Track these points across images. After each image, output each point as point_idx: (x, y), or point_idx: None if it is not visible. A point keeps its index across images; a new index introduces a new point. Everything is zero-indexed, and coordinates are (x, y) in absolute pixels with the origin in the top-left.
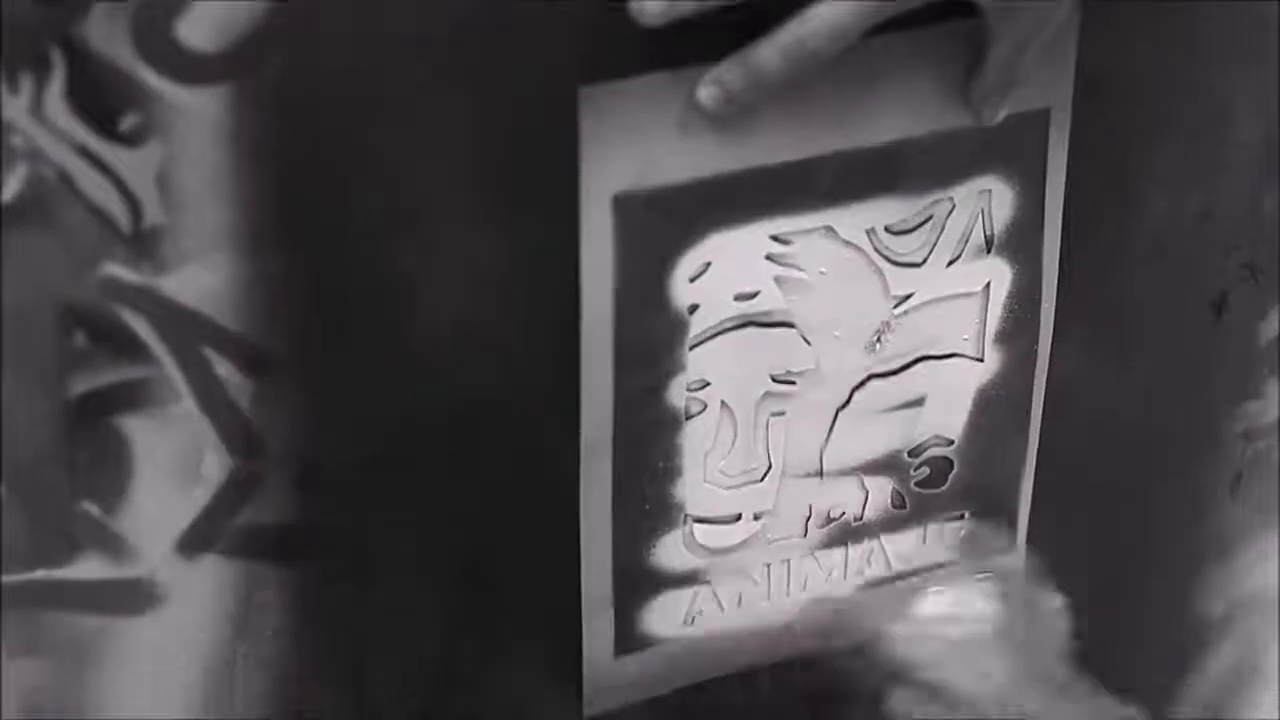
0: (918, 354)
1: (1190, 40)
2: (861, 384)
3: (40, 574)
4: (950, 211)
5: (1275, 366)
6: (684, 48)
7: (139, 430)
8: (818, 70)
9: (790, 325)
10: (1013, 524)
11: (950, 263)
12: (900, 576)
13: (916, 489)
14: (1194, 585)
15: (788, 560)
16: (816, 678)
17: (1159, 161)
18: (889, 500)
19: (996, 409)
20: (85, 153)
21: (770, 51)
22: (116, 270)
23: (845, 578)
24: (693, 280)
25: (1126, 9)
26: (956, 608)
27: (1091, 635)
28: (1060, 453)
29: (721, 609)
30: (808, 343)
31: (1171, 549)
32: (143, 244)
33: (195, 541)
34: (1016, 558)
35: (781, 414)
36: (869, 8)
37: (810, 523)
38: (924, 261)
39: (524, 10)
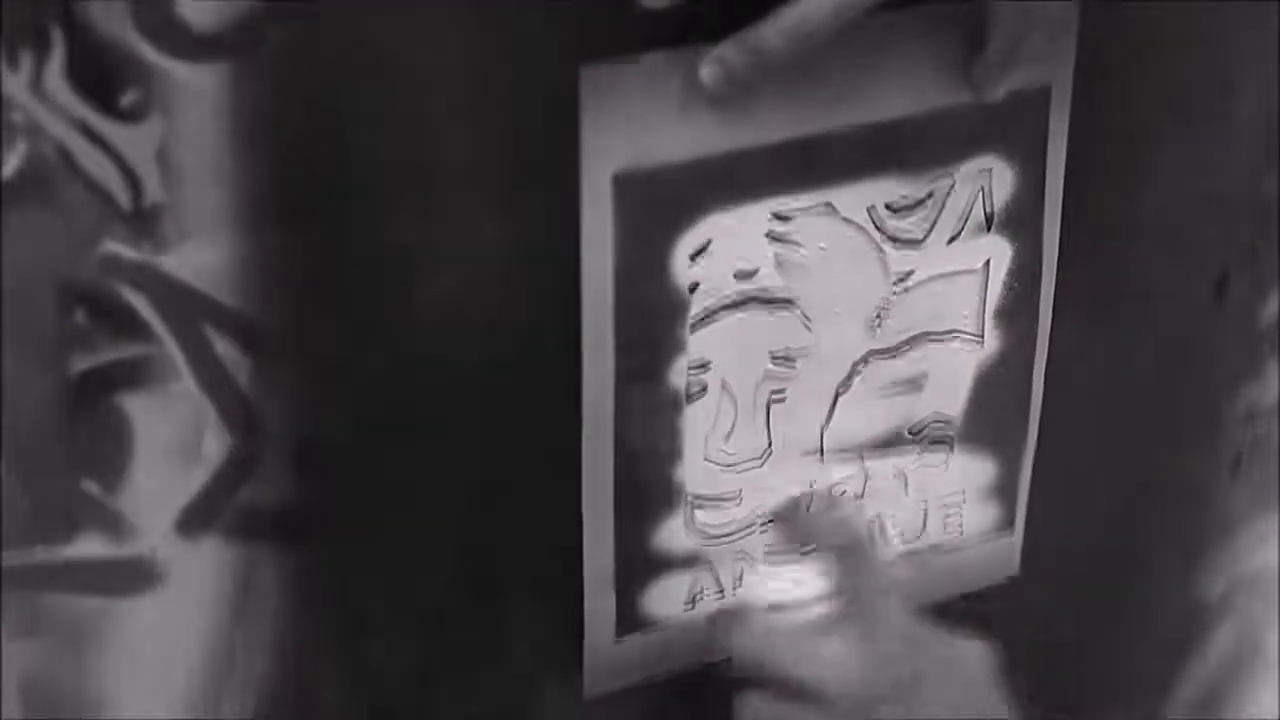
0: (918, 332)
1: (1191, 20)
2: (862, 363)
3: (40, 553)
4: (950, 189)
5: (1276, 347)
6: (685, 27)
7: (139, 408)
8: (819, 49)
9: (790, 304)
10: (1012, 503)
11: (950, 240)
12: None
13: (917, 469)
14: (1195, 566)
15: None
16: None
17: (1160, 142)
18: (891, 480)
19: (996, 388)
20: (85, 129)
21: (772, 31)
22: (116, 248)
23: None
24: (693, 259)
25: None
26: (788, 591)
27: (1093, 617)
28: (1060, 432)
29: (722, 591)
30: (808, 321)
31: (1172, 530)
32: (143, 221)
33: (195, 520)
34: (1015, 537)
35: (782, 394)
36: None
37: (811, 504)
38: (924, 239)
39: None
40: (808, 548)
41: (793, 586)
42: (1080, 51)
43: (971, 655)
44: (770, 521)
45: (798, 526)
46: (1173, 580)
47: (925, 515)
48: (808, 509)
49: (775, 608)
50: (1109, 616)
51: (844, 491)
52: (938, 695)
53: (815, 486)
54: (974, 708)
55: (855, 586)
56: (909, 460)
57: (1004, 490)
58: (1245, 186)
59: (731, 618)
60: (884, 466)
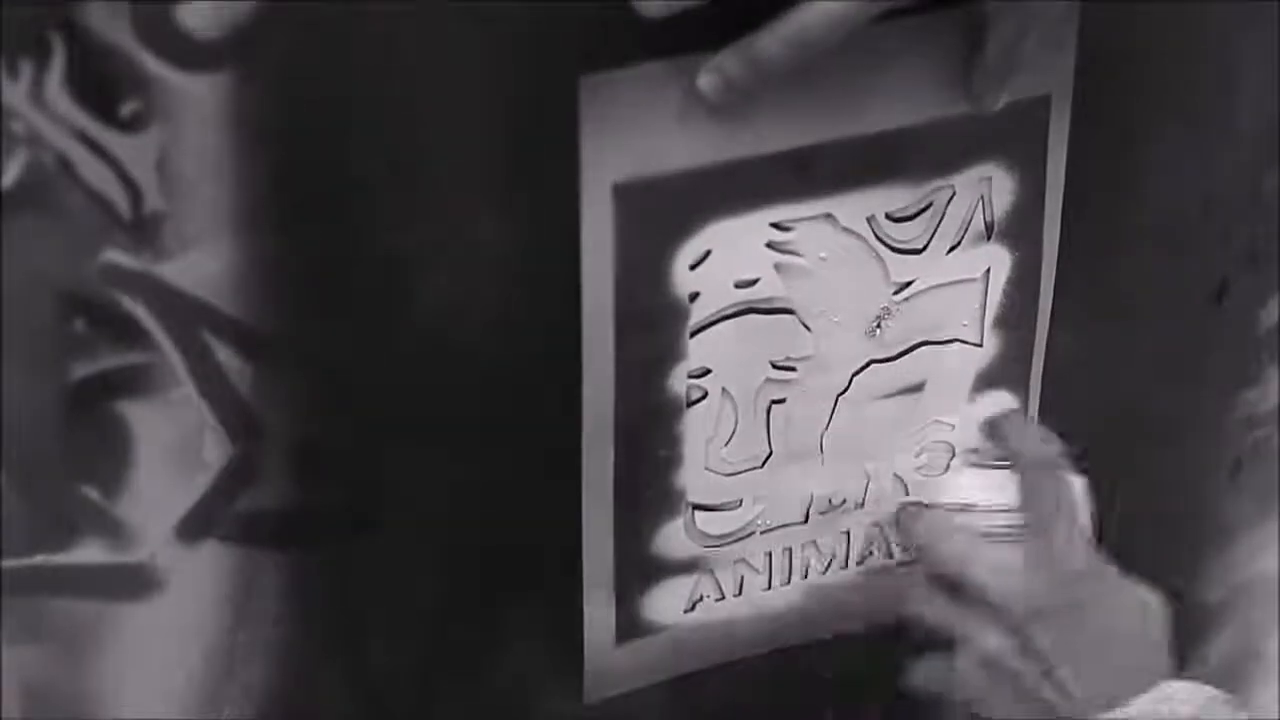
0: (918, 340)
1: (1191, 26)
2: (862, 370)
3: (40, 559)
4: (950, 198)
5: (1275, 353)
6: (684, 37)
7: (139, 415)
8: (819, 59)
9: (790, 312)
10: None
11: (950, 249)
12: (903, 564)
13: (917, 475)
14: (1194, 571)
15: (789, 547)
16: (818, 663)
17: (1159, 148)
18: (891, 487)
19: (995, 395)
20: (85, 139)
21: (771, 40)
22: (116, 256)
23: (846, 565)
24: (693, 268)
25: None
26: (977, 495)
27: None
28: (1060, 439)
29: (722, 596)
30: (808, 329)
31: (1172, 535)
32: (143, 230)
33: (195, 527)
34: None
35: (782, 401)
36: None
37: (811, 509)
38: (924, 248)
39: None
40: (1004, 459)
41: (983, 491)
42: (1079, 59)
43: (1141, 602)
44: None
45: (1000, 436)
46: (1173, 585)
47: None
48: (1010, 423)
49: (962, 508)
50: None
51: (844, 499)
52: (1095, 630)
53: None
54: (1130, 653)
55: (1039, 504)
56: (909, 467)
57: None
58: (1245, 192)
59: (918, 510)
60: (884, 473)
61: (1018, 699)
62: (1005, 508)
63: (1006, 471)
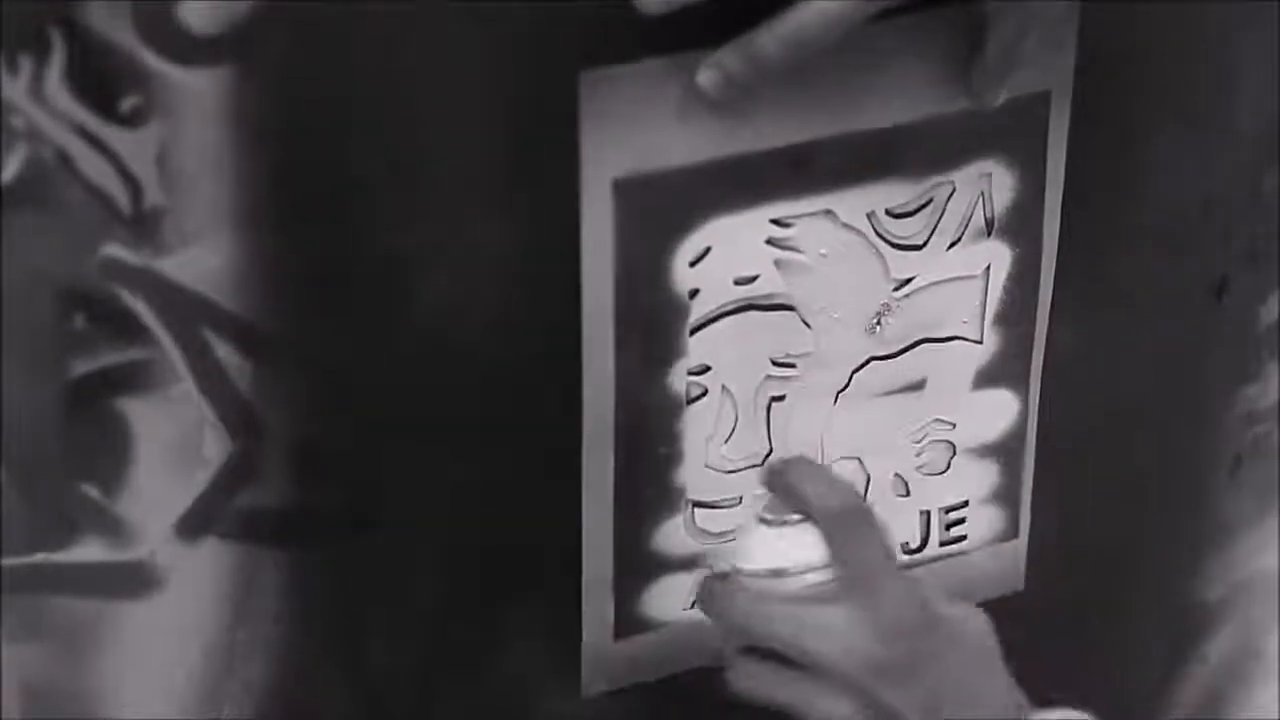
0: (918, 337)
1: (1191, 24)
2: (862, 367)
3: (40, 557)
4: (951, 194)
5: (1275, 350)
6: (684, 34)
7: (139, 412)
8: (818, 56)
9: (790, 308)
10: (1015, 508)
11: (950, 245)
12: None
13: (918, 473)
14: (1194, 569)
15: None
16: None
17: (1159, 145)
18: (891, 485)
19: (996, 383)
20: (85, 134)
21: (770, 37)
22: (116, 251)
23: None
24: (693, 264)
25: None
26: (782, 558)
27: (1092, 619)
28: (1060, 436)
29: None
30: (808, 326)
31: (1171, 532)
32: (143, 225)
33: (195, 524)
34: (1020, 542)
35: (782, 398)
36: None
37: None
38: (924, 244)
39: None
40: (801, 513)
41: (790, 551)
42: (1079, 55)
43: (975, 627)
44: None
45: (789, 489)
46: (1173, 582)
47: (927, 522)
48: (799, 472)
49: (773, 574)
50: (1109, 618)
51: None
52: (941, 670)
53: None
54: (979, 682)
55: (854, 554)
56: (910, 465)
57: (1007, 496)
58: (1245, 190)
59: (726, 583)
60: (884, 471)
61: None
62: (817, 566)
63: (807, 526)
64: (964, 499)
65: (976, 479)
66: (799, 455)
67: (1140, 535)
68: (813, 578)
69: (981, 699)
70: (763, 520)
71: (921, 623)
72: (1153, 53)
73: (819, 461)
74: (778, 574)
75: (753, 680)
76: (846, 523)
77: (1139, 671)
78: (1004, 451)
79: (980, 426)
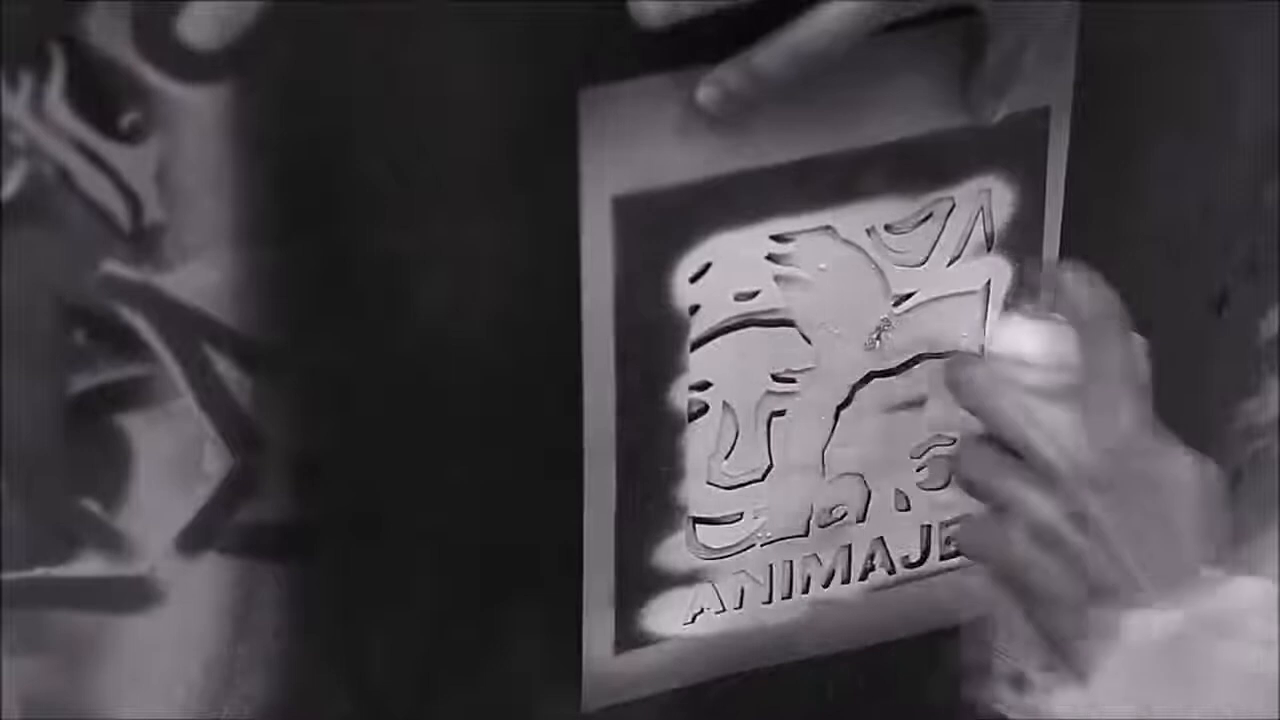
0: (918, 352)
1: (1190, 36)
2: (862, 383)
3: (40, 572)
4: (951, 210)
5: (1275, 364)
6: (684, 50)
7: (139, 428)
8: (819, 73)
9: (791, 324)
10: None
11: (951, 261)
12: (903, 581)
13: (919, 489)
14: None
15: (790, 560)
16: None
17: (1159, 158)
18: (892, 501)
19: None
20: (85, 150)
21: (771, 54)
22: (116, 268)
23: (848, 579)
24: (693, 281)
25: (1126, 6)
26: (1032, 347)
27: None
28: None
29: (723, 609)
30: (808, 341)
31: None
32: (142, 241)
33: (195, 539)
34: None
35: (783, 413)
36: (871, 11)
37: (812, 522)
38: (925, 260)
39: (524, 11)
40: (1060, 312)
41: (1038, 344)
42: (1079, 70)
43: (1199, 473)
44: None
45: (1060, 291)
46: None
47: (928, 536)
48: (1070, 277)
49: (1018, 362)
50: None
51: (845, 513)
52: (1158, 508)
53: None
54: (1184, 523)
55: (1099, 362)
56: (911, 480)
57: None
58: (1245, 202)
59: (969, 361)
60: (886, 487)
61: (1072, 575)
62: (1065, 364)
63: (1064, 325)
64: (965, 514)
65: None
66: (1076, 262)
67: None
68: (1055, 377)
69: (1182, 540)
70: (1021, 311)
71: (1146, 447)
72: (1152, 65)
73: (820, 475)
74: (1022, 363)
75: (975, 466)
76: (1099, 329)
77: None
78: None
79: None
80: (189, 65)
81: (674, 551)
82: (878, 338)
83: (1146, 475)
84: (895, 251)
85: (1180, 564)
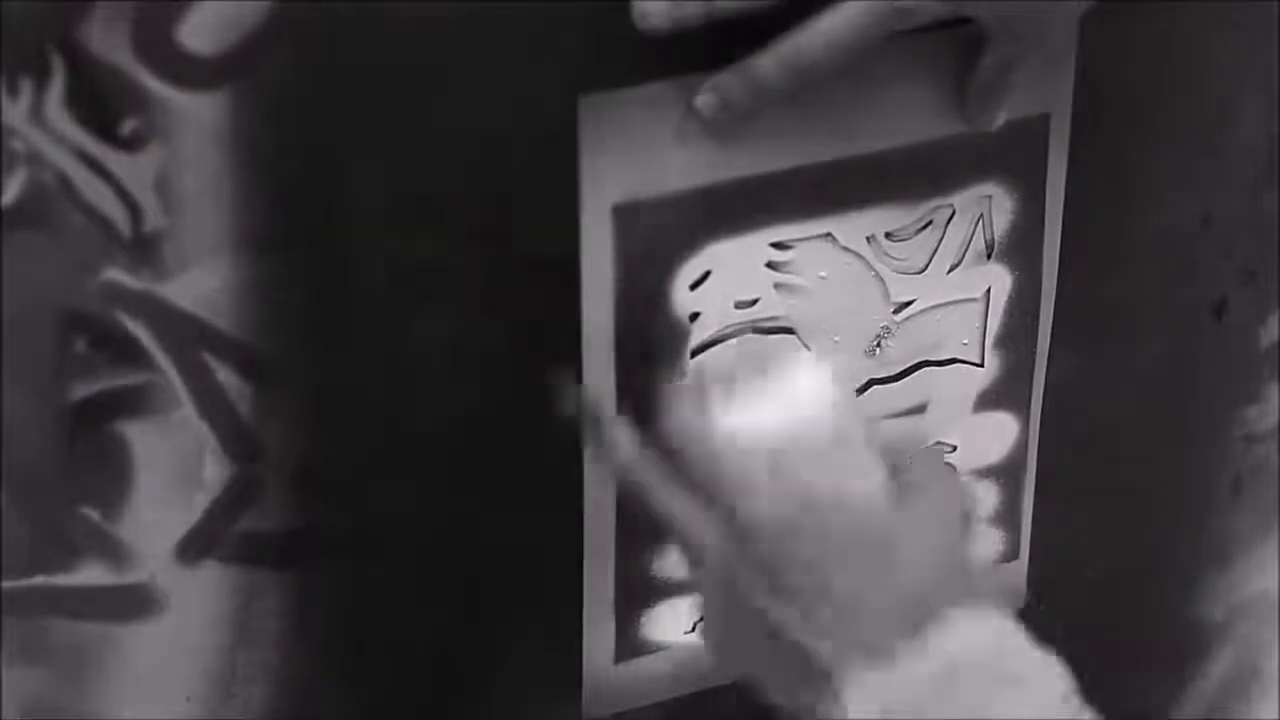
0: (918, 360)
1: (1190, 45)
2: (863, 389)
3: (40, 580)
4: (950, 218)
5: (1275, 370)
6: (684, 57)
7: (139, 436)
8: (817, 82)
9: (791, 331)
10: (1015, 530)
11: (951, 269)
12: None
13: None
14: (1194, 589)
15: None
16: None
17: (1159, 166)
18: None
19: (996, 406)
20: (85, 157)
21: (770, 62)
22: (116, 275)
23: None
24: (693, 288)
25: (1126, 14)
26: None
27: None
28: (1060, 457)
29: None
30: (808, 348)
31: (1171, 553)
32: (143, 249)
33: (195, 547)
34: (1020, 564)
35: None
36: (870, 22)
37: None
38: (925, 268)
39: (524, 19)
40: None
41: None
42: (1079, 78)
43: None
44: None
45: None
46: (1173, 603)
47: None
48: None
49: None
50: (1108, 638)
51: None
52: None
53: None
54: (928, 576)
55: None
56: None
57: (1007, 518)
58: (1245, 208)
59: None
60: None
61: (740, 618)
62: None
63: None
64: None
65: (977, 501)
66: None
67: (1140, 555)
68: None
69: (910, 594)
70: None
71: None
72: (1151, 74)
73: None
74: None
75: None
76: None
77: (1140, 691)
78: (1004, 473)
79: (981, 449)
80: (189, 73)
81: (675, 560)
82: (878, 345)
83: (862, 530)
84: (895, 259)
85: (906, 618)
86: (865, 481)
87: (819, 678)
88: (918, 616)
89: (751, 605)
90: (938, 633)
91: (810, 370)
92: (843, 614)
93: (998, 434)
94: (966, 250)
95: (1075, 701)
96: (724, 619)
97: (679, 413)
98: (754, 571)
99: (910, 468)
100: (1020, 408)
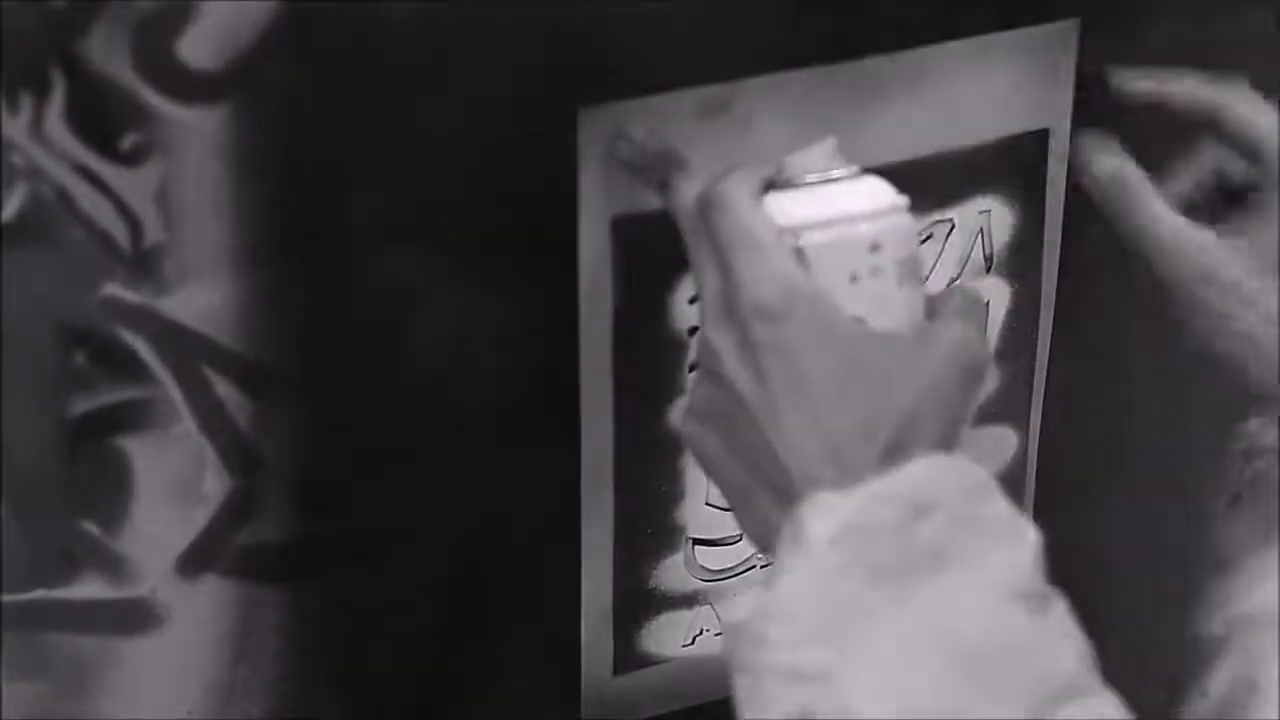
0: None
1: (1189, 53)
2: None
3: (40, 594)
4: (950, 231)
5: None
6: (683, 69)
7: (139, 450)
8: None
9: None
10: None
11: (951, 282)
12: None
13: None
14: (1193, 603)
15: None
16: None
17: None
18: None
19: (995, 419)
20: (85, 172)
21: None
22: (117, 290)
23: None
24: (693, 302)
25: (1125, 21)
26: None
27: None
28: (1059, 471)
29: (722, 631)
30: None
31: (1170, 567)
32: (143, 263)
33: (196, 561)
34: None
35: None
36: None
37: None
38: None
39: (524, 32)
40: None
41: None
42: (1077, 91)
43: (948, 351)
44: None
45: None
46: (1171, 616)
47: None
48: None
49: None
50: (1107, 652)
51: None
52: (844, 367)
53: None
54: (909, 404)
55: None
56: None
57: None
58: None
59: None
60: None
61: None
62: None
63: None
64: None
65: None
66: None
67: (1139, 569)
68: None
69: (886, 418)
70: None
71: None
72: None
73: None
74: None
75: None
76: None
77: (1138, 705)
78: (1003, 486)
79: (980, 462)
80: (189, 87)
81: (673, 572)
82: None
83: (856, 338)
84: None
85: (878, 444)
86: (886, 306)
87: (780, 487)
88: (893, 447)
89: (726, 377)
90: (911, 468)
91: (879, 194)
92: (814, 421)
93: (997, 447)
94: (966, 264)
95: (1041, 570)
96: (704, 393)
97: (731, 197)
98: (732, 342)
99: (942, 305)
100: (1020, 421)
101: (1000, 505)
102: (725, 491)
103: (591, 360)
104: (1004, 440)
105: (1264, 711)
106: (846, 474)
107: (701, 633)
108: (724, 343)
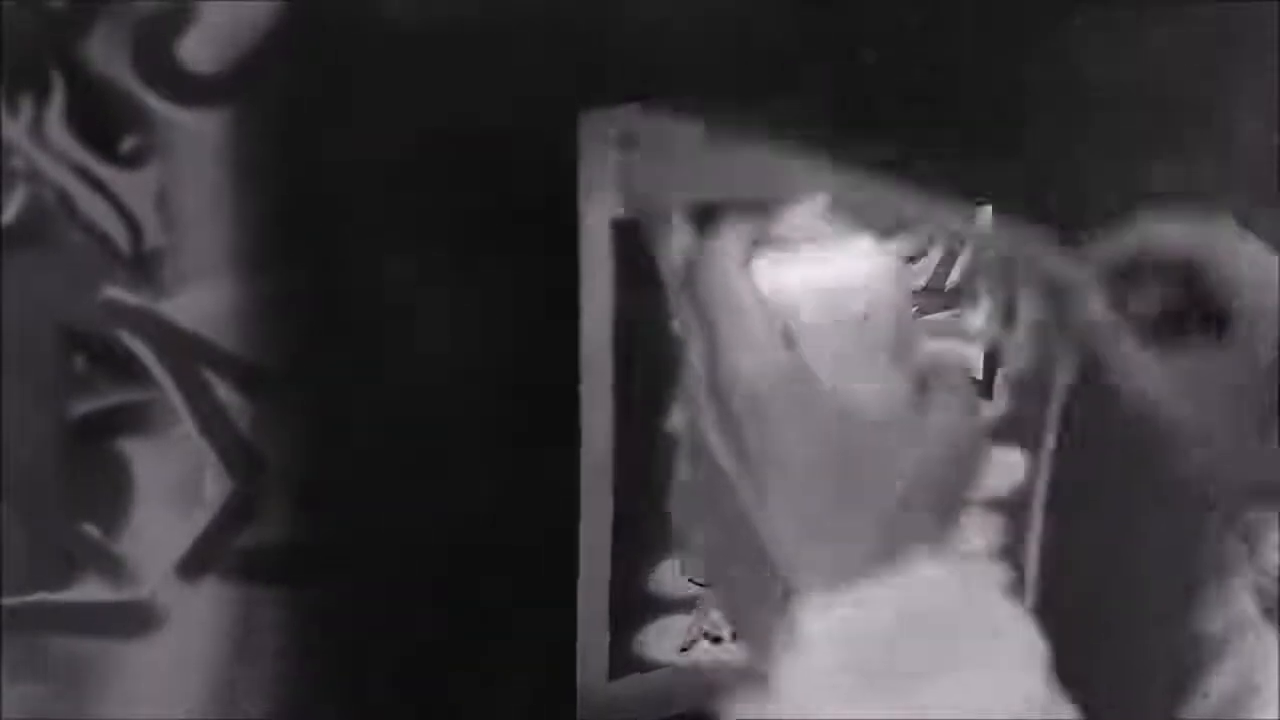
0: None
1: (1189, 57)
2: None
3: (41, 596)
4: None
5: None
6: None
7: (139, 453)
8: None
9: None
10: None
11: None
12: None
13: None
14: (1193, 604)
15: None
16: None
17: (1157, 180)
18: None
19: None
20: (85, 175)
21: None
22: (117, 293)
23: None
24: None
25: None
26: None
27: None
28: (1065, 484)
29: (719, 638)
30: None
31: (1171, 568)
32: (143, 266)
33: (195, 563)
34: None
35: None
36: None
37: None
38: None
39: (524, 37)
40: None
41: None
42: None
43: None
44: None
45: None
46: (1172, 618)
47: None
48: None
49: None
50: (1108, 654)
51: None
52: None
53: None
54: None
55: None
56: None
57: (1013, 551)
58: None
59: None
60: None
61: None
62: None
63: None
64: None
65: (984, 534)
66: None
67: (1140, 571)
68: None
69: (883, 518)
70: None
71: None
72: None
73: None
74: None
75: None
76: None
77: (1141, 707)
78: (1012, 507)
79: (990, 482)
80: (189, 90)
81: (670, 578)
82: None
83: (833, 421)
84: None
85: (868, 535)
86: (875, 386)
87: (776, 594)
88: (889, 545)
89: (709, 450)
90: (909, 568)
91: (872, 259)
92: (797, 504)
93: (1008, 468)
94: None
95: (1048, 673)
96: (689, 468)
97: (718, 260)
98: (715, 412)
99: (933, 386)
100: (1031, 441)
101: (1005, 606)
102: (711, 579)
103: (592, 362)
104: (1014, 461)
105: (1264, 712)
106: (843, 576)
107: (697, 639)
108: (708, 412)
